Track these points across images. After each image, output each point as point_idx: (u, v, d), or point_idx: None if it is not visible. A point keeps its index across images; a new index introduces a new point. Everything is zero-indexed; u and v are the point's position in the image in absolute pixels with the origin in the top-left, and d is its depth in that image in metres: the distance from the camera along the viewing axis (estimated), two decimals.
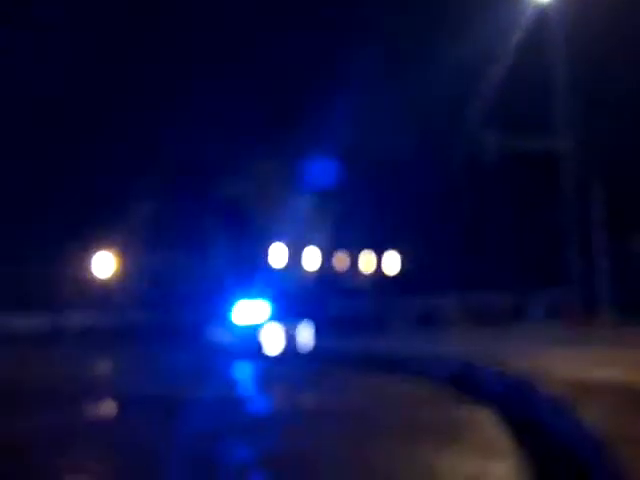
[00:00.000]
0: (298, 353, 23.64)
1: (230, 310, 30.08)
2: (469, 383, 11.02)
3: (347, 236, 58.02)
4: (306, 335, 28.63)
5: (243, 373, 17.65)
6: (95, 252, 47.89)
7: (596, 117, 40.39)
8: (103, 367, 20.36)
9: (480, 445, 6.38)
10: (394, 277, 55.95)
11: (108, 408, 11.48)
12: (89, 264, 48.52)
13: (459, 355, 12.99)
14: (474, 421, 7.85)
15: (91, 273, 48.62)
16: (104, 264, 48.03)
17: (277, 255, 60.97)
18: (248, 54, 39.86)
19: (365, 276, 57.60)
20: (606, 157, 36.05)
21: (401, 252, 63.45)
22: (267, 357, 22.15)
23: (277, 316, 29.86)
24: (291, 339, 26.24)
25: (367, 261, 56.42)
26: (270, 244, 64.66)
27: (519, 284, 50.30)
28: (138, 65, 42.29)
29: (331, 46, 40.72)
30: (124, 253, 49.74)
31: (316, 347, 23.41)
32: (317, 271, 62.10)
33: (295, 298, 36.41)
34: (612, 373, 12.53)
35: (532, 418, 7.34)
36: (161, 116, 50.03)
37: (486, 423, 7.66)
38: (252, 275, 43.59)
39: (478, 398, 9.76)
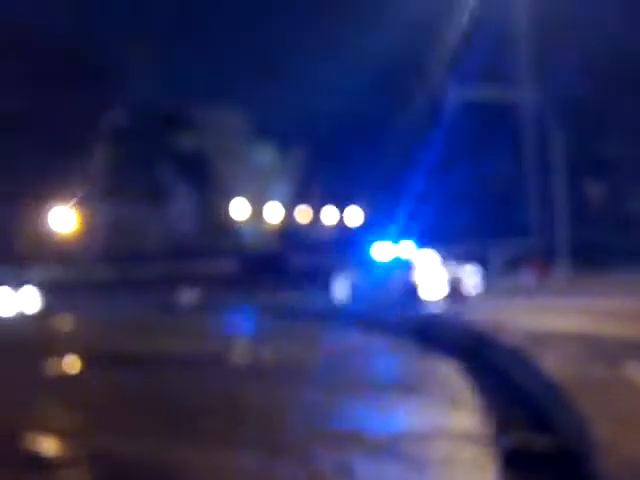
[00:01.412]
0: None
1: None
2: (433, 335, 11.21)
3: (310, 191, 58.18)
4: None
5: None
6: (52, 206, 47.36)
7: (555, 70, 40.98)
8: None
9: (444, 395, 6.59)
10: (356, 229, 56.35)
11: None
12: (47, 218, 47.99)
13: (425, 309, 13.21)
14: (438, 372, 8.07)
15: (49, 227, 48.09)
16: (62, 218, 47.49)
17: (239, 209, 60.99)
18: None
19: (328, 229, 57.89)
20: (563, 107, 36.56)
21: (363, 205, 63.86)
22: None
23: None
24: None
25: (330, 215, 56.65)
26: (231, 198, 64.41)
27: (480, 234, 50.96)
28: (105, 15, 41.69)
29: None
30: (81, 206, 49.32)
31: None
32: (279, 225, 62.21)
33: None
34: (569, 323, 12.91)
35: (494, 368, 7.56)
36: (120, 66, 49.41)
37: (449, 374, 7.88)
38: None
39: (442, 349, 9.98)
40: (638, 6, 40.61)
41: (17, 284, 36.25)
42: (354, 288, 20.85)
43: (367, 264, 22.42)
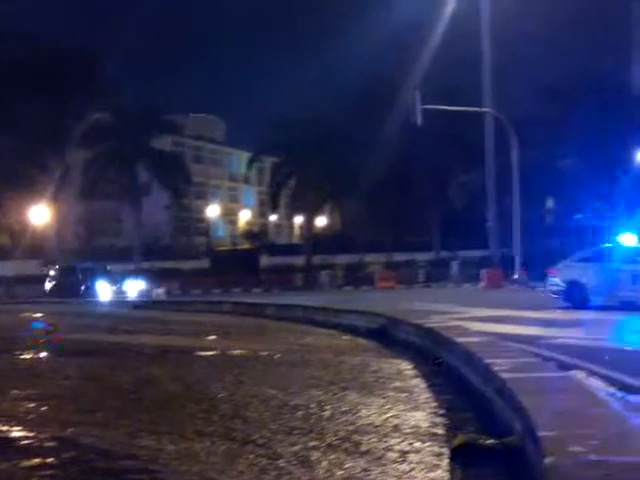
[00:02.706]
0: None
1: None
2: (391, 337, 11.60)
3: (280, 197, 58.33)
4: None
5: None
6: (30, 202, 47.05)
7: (514, 89, 41.95)
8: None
9: (401, 394, 6.82)
10: (326, 236, 56.62)
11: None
12: (24, 214, 47.64)
13: (384, 311, 13.52)
14: (395, 371, 8.33)
15: (26, 223, 47.76)
16: (38, 214, 47.27)
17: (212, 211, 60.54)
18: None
19: (298, 235, 58.01)
20: (521, 125, 37.27)
21: (333, 214, 64.12)
22: None
23: None
24: None
25: (299, 220, 56.60)
26: (205, 200, 64.27)
27: (441, 243, 51.62)
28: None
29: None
30: (57, 202, 49.03)
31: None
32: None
33: None
34: (519, 328, 13.36)
35: (450, 368, 7.85)
36: (97, 66, 49.28)
37: (406, 373, 8.18)
38: None
39: (399, 350, 10.32)
40: (597, 27, 41.65)
41: None
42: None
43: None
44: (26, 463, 4.58)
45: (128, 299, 32.20)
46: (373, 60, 55.80)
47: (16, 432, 5.55)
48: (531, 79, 50.55)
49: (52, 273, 41.20)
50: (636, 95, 49.08)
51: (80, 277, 38.46)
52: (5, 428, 5.69)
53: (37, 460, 4.64)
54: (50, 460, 4.66)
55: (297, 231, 67.36)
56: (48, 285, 40.02)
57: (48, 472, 4.40)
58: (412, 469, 4.30)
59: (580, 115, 46.37)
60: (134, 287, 37.15)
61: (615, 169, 50.31)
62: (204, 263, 50.36)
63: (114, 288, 36.75)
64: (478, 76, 39.46)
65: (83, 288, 37.36)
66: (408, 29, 42.91)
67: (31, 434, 5.41)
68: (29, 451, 4.91)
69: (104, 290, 36.31)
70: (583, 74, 47.55)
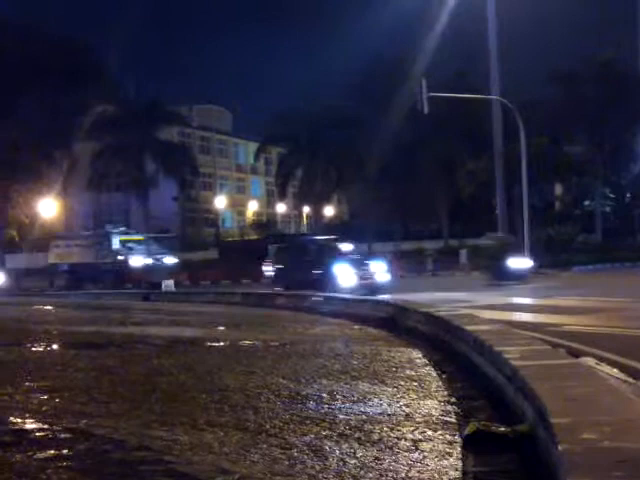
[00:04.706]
0: None
1: None
2: (401, 325, 11.61)
3: (288, 188, 58.33)
4: None
5: None
6: (38, 195, 47.13)
7: (522, 75, 41.95)
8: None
9: (412, 382, 6.82)
10: (334, 226, 56.58)
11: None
12: (33, 207, 47.75)
13: (394, 300, 13.53)
14: (405, 360, 8.34)
15: (35, 216, 47.88)
16: (47, 207, 47.35)
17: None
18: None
19: (306, 225, 58.08)
20: (529, 111, 37.16)
21: (340, 203, 64.07)
22: None
23: None
24: None
25: (307, 211, 56.64)
26: (213, 190, 64.26)
27: (449, 231, 51.57)
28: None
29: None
30: (65, 196, 49.12)
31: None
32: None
33: None
34: (531, 316, 13.34)
35: (460, 356, 7.86)
36: (102, 58, 49.26)
37: (416, 362, 8.19)
38: None
39: (409, 339, 10.33)
40: (599, 15, 41.52)
41: None
42: None
43: None
44: (41, 455, 4.62)
45: (380, 286, 23.97)
46: (379, 48, 55.68)
47: (30, 424, 5.58)
48: (539, 64, 50.33)
49: (273, 252, 30.86)
50: None
51: (314, 257, 26.24)
52: (19, 420, 5.72)
53: (52, 452, 4.67)
54: (65, 451, 4.69)
55: (305, 221, 67.31)
56: (267, 269, 29.05)
57: (63, 463, 4.42)
58: (424, 457, 4.32)
59: (588, 101, 46.17)
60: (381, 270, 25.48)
61: (623, 154, 50.11)
62: (213, 254, 50.35)
63: (360, 272, 24.74)
64: (485, 62, 39.30)
65: (320, 274, 25.04)
66: (414, 15, 42.83)
67: (45, 426, 5.44)
68: (43, 443, 4.94)
69: (347, 276, 24.37)
70: (591, 59, 47.32)
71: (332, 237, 32.83)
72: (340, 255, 26.38)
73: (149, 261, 36.57)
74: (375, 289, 23.02)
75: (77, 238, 39.80)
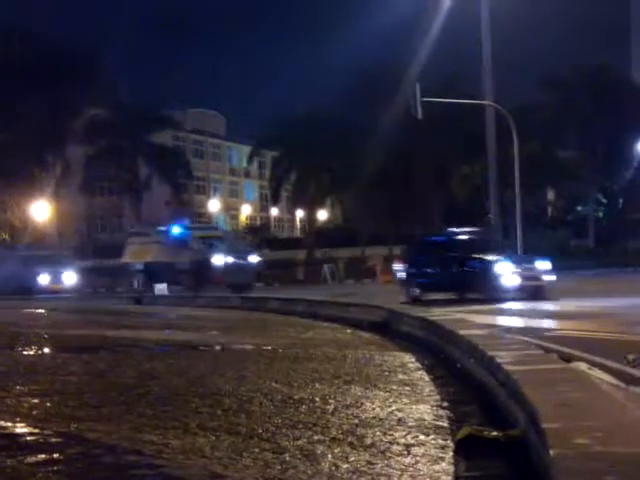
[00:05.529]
0: None
1: None
2: (394, 330, 11.62)
3: (281, 191, 58.36)
4: None
5: None
6: (30, 199, 47.06)
7: (515, 80, 42.09)
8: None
9: (404, 387, 6.82)
10: (327, 230, 56.60)
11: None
12: (25, 211, 47.65)
13: (386, 304, 13.54)
14: (398, 364, 8.34)
15: (27, 219, 47.78)
16: (39, 210, 47.29)
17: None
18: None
19: (299, 229, 57.99)
20: (522, 116, 37.32)
21: (334, 207, 64.07)
22: None
23: None
24: None
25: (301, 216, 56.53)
26: (206, 194, 64.25)
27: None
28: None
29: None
30: (58, 199, 49.00)
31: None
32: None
33: None
34: (523, 320, 13.36)
35: (452, 360, 7.86)
36: (95, 62, 49.19)
37: (409, 366, 8.19)
38: None
39: (402, 343, 10.34)
40: (596, 16, 41.67)
41: None
42: None
43: None
44: (31, 459, 4.59)
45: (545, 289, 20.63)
46: (372, 52, 55.80)
47: (21, 428, 5.56)
48: (532, 70, 50.59)
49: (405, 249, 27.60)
50: (636, 84, 49.00)
51: (463, 253, 22.03)
52: (10, 424, 5.69)
53: (42, 456, 4.65)
54: (55, 456, 4.67)
55: (299, 225, 67.32)
56: (398, 269, 24.69)
57: (54, 468, 4.40)
58: (417, 462, 4.31)
59: (581, 106, 46.33)
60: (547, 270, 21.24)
61: (615, 160, 50.29)
62: None
63: (523, 271, 20.82)
64: (479, 67, 39.44)
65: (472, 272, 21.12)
66: (409, 20, 42.92)
67: (36, 430, 5.41)
68: (34, 447, 4.92)
69: (510, 275, 20.49)
70: (583, 64, 47.50)
71: (477, 229, 29.48)
72: (497, 250, 22.52)
73: (231, 260, 32.89)
74: (540, 292, 19.97)
75: (154, 234, 36.85)
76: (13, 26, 45.19)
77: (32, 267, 36.32)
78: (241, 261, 33.18)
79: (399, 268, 24.29)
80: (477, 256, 21.08)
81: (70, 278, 37.81)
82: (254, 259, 34.76)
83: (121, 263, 37.33)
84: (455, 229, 25.56)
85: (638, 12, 55.20)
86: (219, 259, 32.58)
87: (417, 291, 22.02)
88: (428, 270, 22.39)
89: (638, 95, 46.61)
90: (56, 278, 37.08)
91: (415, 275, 22.71)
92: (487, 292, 19.47)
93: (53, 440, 5.10)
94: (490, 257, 20.90)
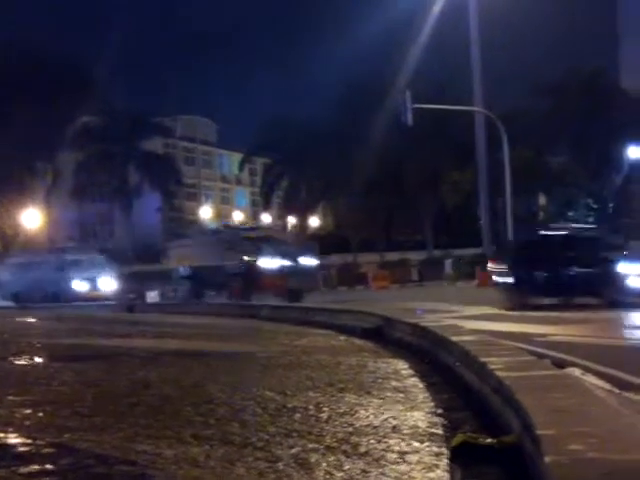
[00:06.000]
0: None
1: None
2: (387, 336, 11.62)
3: (272, 198, 58.35)
4: None
5: None
6: (21, 206, 46.92)
7: (501, 85, 42.29)
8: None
9: (398, 394, 6.81)
10: (319, 237, 56.60)
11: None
12: (16, 218, 47.47)
13: (380, 311, 13.53)
14: (392, 371, 8.33)
15: (18, 227, 47.59)
16: (30, 218, 47.13)
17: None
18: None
19: (291, 235, 58.05)
20: (511, 122, 37.41)
21: (325, 214, 64.14)
22: None
23: None
24: None
25: (292, 222, 56.70)
26: (196, 201, 64.30)
27: (434, 243, 51.73)
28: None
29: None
30: (49, 206, 48.91)
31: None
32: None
33: None
34: (516, 326, 13.39)
35: (445, 367, 7.86)
36: (86, 69, 49.16)
37: (403, 373, 8.18)
38: None
39: (395, 350, 10.33)
40: (586, 24, 42.00)
41: None
42: None
43: None
44: (24, 470, 4.56)
45: None
46: (363, 60, 55.89)
47: (13, 438, 5.52)
48: (521, 76, 50.72)
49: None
50: (625, 90, 49.22)
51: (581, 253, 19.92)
52: (2, 435, 5.66)
53: (35, 466, 4.62)
54: (48, 466, 4.64)
55: (291, 231, 67.35)
56: (497, 273, 21.70)
57: (46, 478, 4.38)
58: (411, 470, 4.30)
59: (571, 112, 46.51)
60: None
61: (606, 165, 50.48)
62: None
63: None
64: (468, 74, 39.61)
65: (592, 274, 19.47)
66: (398, 28, 43.04)
67: (28, 440, 5.38)
68: (26, 457, 4.88)
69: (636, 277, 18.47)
70: (574, 71, 47.70)
71: (590, 227, 25.89)
72: (617, 249, 20.00)
73: (286, 263, 30.19)
74: None
75: (203, 235, 35.02)
76: (4, 34, 45.18)
77: (66, 272, 34.08)
78: (296, 264, 30.57)
79: (498, 269, 21.35)
80: (597, 256, 19.16)
81: (109, 284, 35.29)
82: (310, 262, 31.83)
83: (169, 268, 34.66)
84: (574, 225, 23.83)
85: (627, 19, 55.53)
86: (271, 262, 30.06)
87: (526, 296, 19.70)
88: (539, 272, 20.13)
89: (628, 101, 46.81)
90: (93, 284, 34.86)
91: (523, 278, 20.09)
92: (609, 296, 17.89)
93: (46, 450, 5.07)
94: (613, 257, 18.88)
